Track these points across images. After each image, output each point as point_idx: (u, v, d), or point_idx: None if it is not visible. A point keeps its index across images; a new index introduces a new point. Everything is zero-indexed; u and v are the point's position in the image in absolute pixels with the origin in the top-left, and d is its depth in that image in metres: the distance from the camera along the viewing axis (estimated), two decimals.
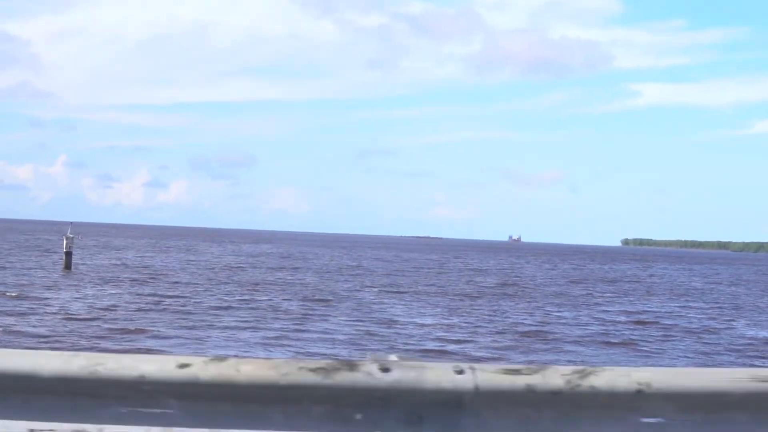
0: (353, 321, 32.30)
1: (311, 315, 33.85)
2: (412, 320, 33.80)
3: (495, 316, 36.67)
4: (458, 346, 26.88)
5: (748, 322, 38.54)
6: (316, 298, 41.84)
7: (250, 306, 36.40)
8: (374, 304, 40.12)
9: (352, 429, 3.40)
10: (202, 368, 3.35)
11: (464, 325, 32.96)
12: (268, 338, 26.64)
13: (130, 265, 65.27)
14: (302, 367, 3.38)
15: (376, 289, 49.87)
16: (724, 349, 28.21)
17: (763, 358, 26.32)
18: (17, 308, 31.78)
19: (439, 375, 3.44)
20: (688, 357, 25.92)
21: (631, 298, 51.36)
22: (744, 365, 24.14)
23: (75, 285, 43.74)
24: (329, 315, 34.12)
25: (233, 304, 36.80)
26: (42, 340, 24.11)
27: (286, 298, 41.26)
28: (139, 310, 33.14)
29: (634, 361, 24.36)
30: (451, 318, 35.23)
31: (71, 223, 58.44)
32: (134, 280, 49.18)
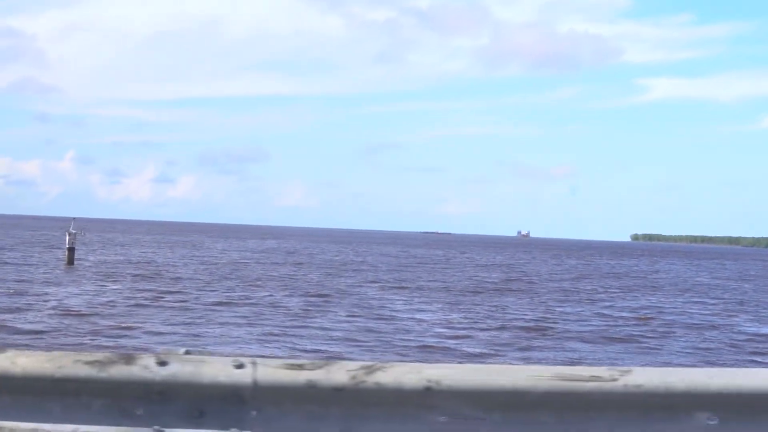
0: (353, 317, 32.08)
1: (311, 311, 33.64)
2: (412, 316, 33.56)
3: (497, 311, 36.41)
4: (456, 342, 26.64)
5: (752, 317, 38.21)
6: (318, 293, 41.62)
7: (250, 302, 36.20)
8: (376, 299, 39.90)
9: (133, 423, 3.36)
10: None
11: (465, 320, 32.71)
12: (264, 334, 26.44)
13: (133, 261, 65.19)
14: (78, 360, 3.35)
15: (378, 285, 49.66)
16: (725, 345, 27.92)
17: (763, 353, 26.01)
18: (15, 304, 31.62)
19: (217, 369, 3.41)
20: (687, 353, 25.63)
21: (636, 294, 51.04)
22: (743, 362, 23.91)
23: (76, 281, 43.62)
24: (329, 311, 33.91)
25: (233, 300, 36.62)
26: (35, 336, 23.93)
27: (287, 294, 41.06)
28: (137, 305, 32.99)
29: (633, 358, 24.08)
30: (452, 314, 34.99)
31: (74, 218, 58.31)
32: (136, 275, 49.05)
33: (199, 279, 48.65)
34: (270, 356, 3.90)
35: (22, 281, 41.58)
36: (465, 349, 24.89)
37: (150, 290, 39.61)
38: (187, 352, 3.39)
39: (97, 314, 29.68)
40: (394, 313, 34.15)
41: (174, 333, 25.68)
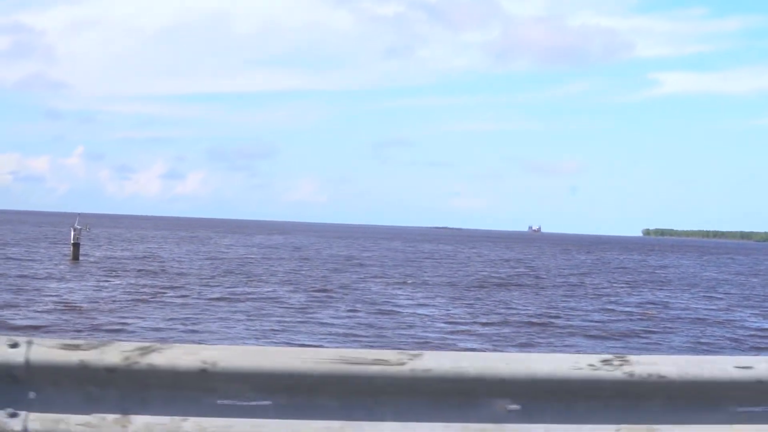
0: (354, 312, 31.93)
1: (313, 306, 33.48)
2: (414, 311, 33.38)
3: (500, 306, 36.21)
4: (458, 337, 26.48)
5: (757, 313, 37.90)
6: (321, 289, 41.47)
7: (252, 297, 36.06)
8: (379, 295, 39.72)
9: None
10: None
11: (467, 315, 32.54)
12: (264, 330, 26.26)
13: (138, 257, 65.17)
14: None
15: (383, 280, 49.49)
16: (726, 339, 27.67)
17: (763, 349, 25.74)
18: (15, 299, 31.54)
19: None
20: (687, 348, 25.38)
21: (642, 289, 50.73)
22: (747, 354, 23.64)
23: (79, 276, 43.57)
24: (331, 306, 33.76)
25: (235, 296, 36.47)
26: (32, 332, 23.78)
27: (290, 289, 40.92)
28: (138, 301, 32.88)
29: (631, 353, 23.81)
30: (455, 309, 34.80)
31: (78, 214, 58.39)
32: (140, 271, 48.98)
33: (203, 274, 48.55)
34: (50, 336, 3.88)
35: (24, 277, 41.52)
36: (463, 344, 24.68)
37: (153, 285, 39.52)
38: None
39: (97, 310, 29.58)
40: (396, 308, 33.98)
41: (172, 328, 25.55)
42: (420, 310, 33.69)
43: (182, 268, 52.93)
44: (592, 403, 3.73)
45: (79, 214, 59.04)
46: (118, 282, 40.94)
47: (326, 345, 23.72)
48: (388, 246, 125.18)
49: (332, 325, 28.04)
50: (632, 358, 3.79)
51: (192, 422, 3.54)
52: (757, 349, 25.47)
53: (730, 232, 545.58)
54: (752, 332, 30.26)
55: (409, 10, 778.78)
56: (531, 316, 32.66)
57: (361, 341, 24.45)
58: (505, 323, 30.27)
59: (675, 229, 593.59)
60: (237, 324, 27.22)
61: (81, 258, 55.25)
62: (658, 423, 3.74)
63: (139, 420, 3.51)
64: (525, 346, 25.00)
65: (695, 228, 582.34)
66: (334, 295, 38.76)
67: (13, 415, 3.47)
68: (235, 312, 30.48)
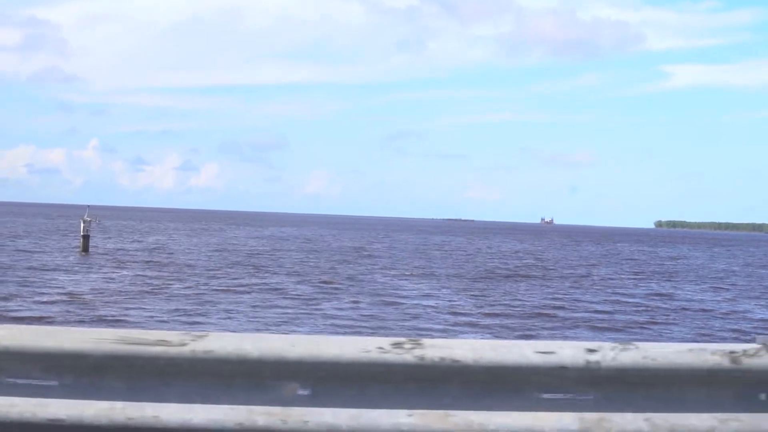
0: (359, 303, 31.96)
1: (318, 298, 33.54)
2: (419, 302, 33.42)
3: (506, 298, 36.21)
4: (460, 328, 26.49)
5: (763, 304, 37.81)
6: (328, 280, 41.52)
7: (258, 289, 36.15)
8: (385, 286, 39.77)
9: None
10: None
11: (472, 307, 32.54)
12: (266, 321, 26.35)
13: (148, 248, 65.35)
14: None
15: (390, 272, 49.50)
16: (729, 331, 27.62)
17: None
18: (22, 291, 31.69)
19: None
20: (688, 339, 25.32)
21: (650, 281, 50.64)
22: None
23: (88, 268, 43.73)
24: (337, 298, 33.82)
25: (241, 287, 36.56)
26: (28, 321, 23.93)
27: (297, 281, 40.99)
28: (144, 292, 32.99)
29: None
30: (461, 300, 34.82)
31: (88, 206, 58.54)
32: (148, 262, 49.13)
33: (211, 266, 48.67)
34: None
35: (33, 268, 41.69)
36: (466, 336, 24.71)
37: (160, 277, 39.65)
38: None
39: (102, 301, 29.71)
40: (401, 300, 34.00)
41: (174, 320, 25.65)
42: (425, 302, 33.72)
43: (190, 260, 53.06)
44: (385, 387, 3.71)
45: (89, 206, 59.16)
46: (126, 273, 41.08)
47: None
48: (399, 238, 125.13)
49: (335, 316, 28.10)
50: (426, 341, 3.74)
51: None
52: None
53: (742, 223, 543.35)
54: (755, 323, 30.24)
55: (422, 2, 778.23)
56: (535, 308, 32.67)
57: (362, 333, 24.50)
58: (509, 315, 30.28)
59: (687, 220, 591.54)
60: (239, 315, 27.31)
61: (91, 250, 55.46)
62: (454, 408, 3.70)
63: None
64: (527, 338, 25.05)
65: (707, 220, 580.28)
66: (339, 286, 38.83)
67: None
68: (240, 303, 30.57)
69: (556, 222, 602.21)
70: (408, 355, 3.67)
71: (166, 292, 33.31)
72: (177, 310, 28.06)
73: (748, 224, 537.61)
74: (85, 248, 55.16)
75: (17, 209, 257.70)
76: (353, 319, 27.48)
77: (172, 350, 3.60)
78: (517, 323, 28.03)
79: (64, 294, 31.26)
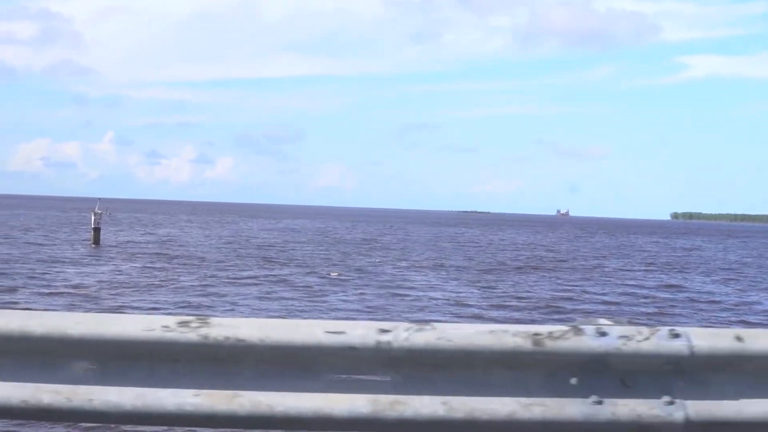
0: (365, 295, 31.89)
1: (325, 289, 33.49)
2: (426, 294, 33.32)
3: (515, 290, 36.06)
4: (466, 320, 26.38)
5: None
6: (335, 272, 41.44)
7: (265, 280, 36.13)
8: (394, 277, 39.66)
9: None
10: None
11: (480, 299, 32.41)
12: (269, 313, 26.28)
13: (159, 241, 65.46)
14: None
15: (400, 263, 49.40)
16: (735, 323, 27.42)
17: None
18: (30, 283, 31.74)
19: None
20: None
21: (662, 273, 50.38)
22: None
23: (97, 260, 43.80)
24: (343, 289, 33.76)
25: (249, 279, 36.55)
26: None
27: (305, 272, 40.95)
28: (151, 284, 33.00)
29: None
30: (469, 292, 34.68)
31: (99, 199, 58.72)
32: (158, 254, 49.20)
33: (221, 258, 48.68)
34: None
35: (42, 261, 41.77)
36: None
37: (168, 269, 39.67)
38: None
39: (108, 293, 29.71)
40: (408, 292, 33.88)
41: (177, 312, 25.61)
42: (432, 294, 33.61)
43: (200, 252, 53.09)
44: (175, 366, 3.64)
45: (99, 198, 59.33)
46: (134, 266, 41.10)
47: None
48: (413, 230, 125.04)
49: (339, 309, 28.00)
50: (213, 320, 3.66)
51: None
52: None
53: (758, 215, 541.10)
54: (764, 316, 30.02)
55: None
56: (544, 300, 32.52)
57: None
58: (516, 307, 30.16)
59: (703, 212, 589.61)
60: (243, 307, 27.22)
61: (102, 242, 55.60)
62: (243, 389, 3.63)
63: None
64: None
65: (723, 211, 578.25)
66: (347, 277, 38.78)
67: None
68: (246, 295, 30.52)
69: (572, 214, 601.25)
70: (193, 334, 3.58)
71: (173, 284, 33.30)
72: (181, 301, 28.03)
73: (764, 216, 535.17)
74: (96, 240, 55.32)
75: (32, 203, 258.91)
76: (357, 311, 27.39)
77: None
78: (523, 316, 27.89)
79: (70, 286, 31.29)
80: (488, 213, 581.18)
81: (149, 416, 3.63)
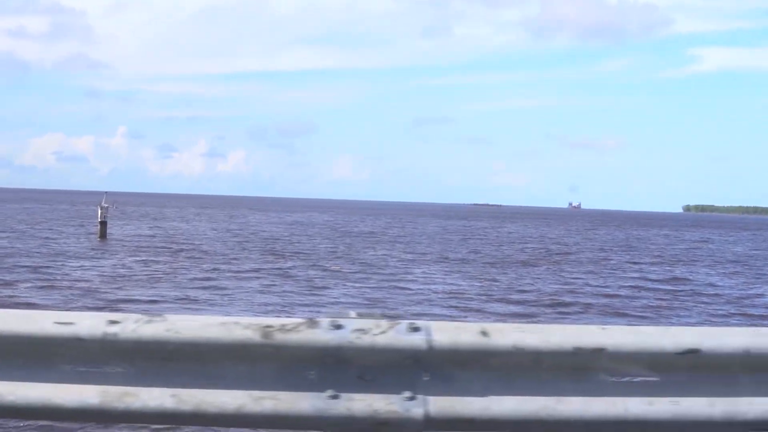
0: (366, 288, 31.84)
1: (326, 282, 33.44)
2: (427, 286, 33.25)
3: (518, 284, 35.93)
4: (465, 314, 26.30)
5: None
6: (337, 265, 41.41)
7: (268, 273, 36.10)
8: (396, 270, 39.58)
9: None
10: None
11: (481, 292, 32.30)
12: (267, 306, 26.25)
13: (166, 235, 65.52)
14: None
15: (405, 256, 49.33)
16: (740, 315, 27.29)
17: None
18: (31, 277, 31.77)
19: None
20: (697, 324, 24.99)
21: (669, 266, 50.17)
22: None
23: (102, 254, 43.84)
24: (345, 282, 33.70)
25: (252, 272, 36.53)
26: (24, 308, 23.92)
27: (309, 265, 40.91)
28: (153, 278, 33.01)
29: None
30: (470, 286, 34.57)
31: (105, 192, 58.87)
32: (164, 248, 49.24)
33: (226, 251, 48.68)
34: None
35: (47, 255, 41.83)
36: (469, 322, 24.50)
37: (173, 263, 39.69)
38: None
39: (110, 287, 29.73)
40: (410, 285, 33.79)
41: (175, 304, 25.61)
42: (434, 287, 33.52)
43: (207, 246, 53.12)
44: None
45: (106, 192, 59.48)
46: (139, 259, 41.13)
47: None
48: (422, 222, 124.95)
49: (340, 300, 27.95)
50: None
51: None
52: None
53: None
54: (767, 310, 29.83)
55: None
56: (547, 294, 32.39)
57: None
58: (517, 301, 30.03)
59: (715, 205, 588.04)
60: (240, 302, 27.19)
61: (108, 236, 55.70)
62: None
63: None
64: (532, 324, 24.78)
65: (735, 204, 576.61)
66: (351, 270, 38.72)
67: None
68: (246, 290, 30.49)
69: (584, 207, 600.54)
70: None
71: (176, 278, 33.31)
72: (182, 295, 28.03)
73: None
74: (103, 234, 55.43)
75: (43, 197, 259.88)
76: (356, 304, 27.28)
77: None
78: (523, 310, 27.78)
79: (72, 280, 31.30)
80: (500, 206, 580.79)
81: None
